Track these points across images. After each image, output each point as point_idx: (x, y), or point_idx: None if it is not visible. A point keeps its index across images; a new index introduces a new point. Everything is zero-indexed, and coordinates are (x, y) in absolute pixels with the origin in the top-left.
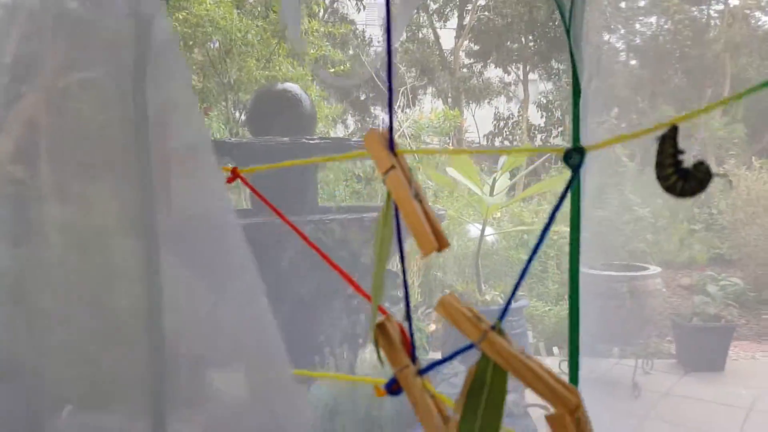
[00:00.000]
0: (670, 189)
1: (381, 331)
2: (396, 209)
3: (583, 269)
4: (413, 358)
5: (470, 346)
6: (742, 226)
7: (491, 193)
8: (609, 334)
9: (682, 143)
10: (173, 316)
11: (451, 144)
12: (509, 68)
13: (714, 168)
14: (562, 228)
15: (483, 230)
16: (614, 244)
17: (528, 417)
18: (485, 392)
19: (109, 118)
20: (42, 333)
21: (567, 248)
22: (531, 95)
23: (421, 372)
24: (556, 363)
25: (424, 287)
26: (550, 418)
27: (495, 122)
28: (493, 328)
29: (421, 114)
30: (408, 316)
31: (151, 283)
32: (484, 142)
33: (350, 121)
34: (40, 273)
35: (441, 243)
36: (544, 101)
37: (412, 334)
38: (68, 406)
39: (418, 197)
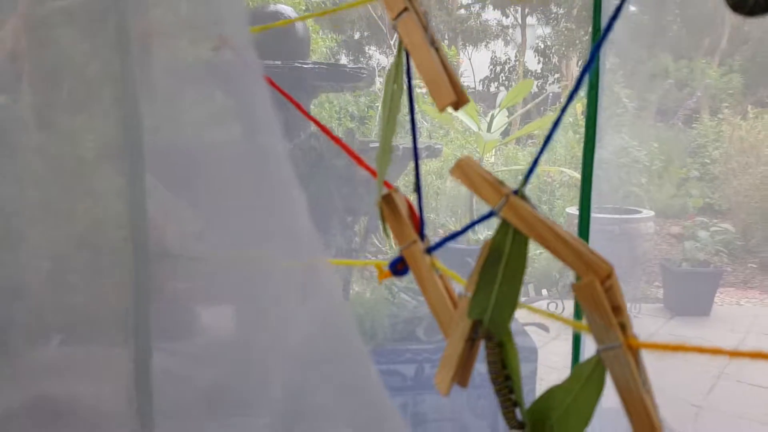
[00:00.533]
0: (738, 5)
1: (387, 203)
2: (408, 60)
3: (572, 210)
4: (421, 235)
5: (490, 214)
6: (735, 175)
7: (489, 130)
8: None
9: (677, 92)
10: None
11: None
12: (507, 11)
13: (707, 118)
14: (552, 170)
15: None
16: (609, 187)
17: (527, 335)
18: (502, 263)
19: (90, 46)
20: (22, 260)
21: (558, 192)
22: (528, 40)
23: (430, 249)
24: (544, 305)
25: None
26: (577, 288)
27: (491, 67)
28: (515, 192)
29: None
30: (418, 187)
31: (136, 207)
32: (480, 88)
33: (344, 61)
34: (19, 200)
35: (460, 96)
36: (542, 46)
37: (421, 208)
38: (58, 336)
39: (435, 44)
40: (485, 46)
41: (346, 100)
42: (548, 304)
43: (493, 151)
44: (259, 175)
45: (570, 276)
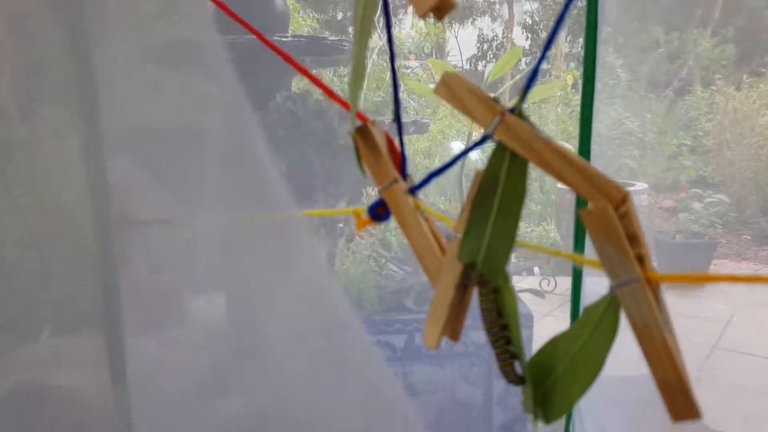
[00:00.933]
0: None
1: (362, 135)
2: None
3: (564, 186)
4: (403, 173)
5: (484, 140)
6: (728, 147)
7: None
8: (591, 249)
9: (669, 63)
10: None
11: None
12: None
13: (700, 90)
14: None
15: (468, 140)
16: (602, 160)
17: (521, 302)
18: (498, 193)
19: (47, 25)
20: None
21: None
22: (516, 15)
23: (414, 189)
24: (536, 282)
25: None
26: (586, 215)
27: (479, 44)
28: (512, 110)
29: (401, 31)
30: (397, 117)
31: (96, 177)
32: (467, 67)
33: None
34: None
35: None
36: (530, 22)
37: (402, 142)
38: (47, 329)
39: None
40: (471, 22)
41: (328, 79)
42: (540, 282)
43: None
44: (226, 146)
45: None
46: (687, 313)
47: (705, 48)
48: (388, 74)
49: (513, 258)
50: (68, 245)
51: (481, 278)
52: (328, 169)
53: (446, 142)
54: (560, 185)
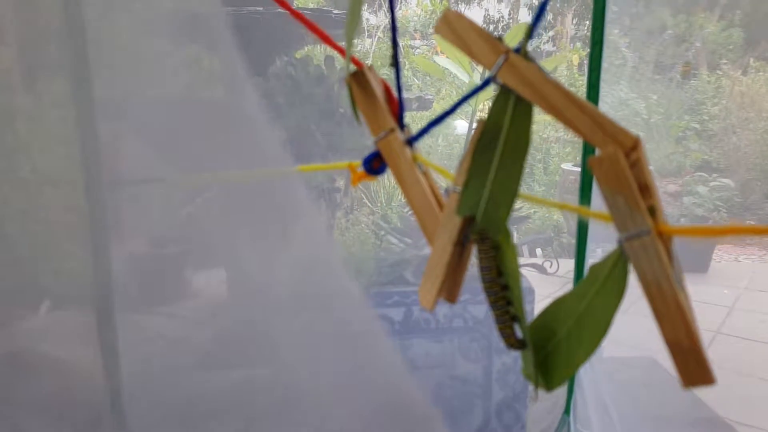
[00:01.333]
0: None
1: (357, 82)
2: None
3: (567, 167)
4: (401, 123)
5: (487, 82)
6: (734, 131)
7: (481, 78)
8: (594, 233)
9: (675, 47)
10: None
11: (437, 43)
12: None
13: (706, 74)
14: (548, 131)
15: (472, 119)
16: None
17: (522, 277)
18: (500, 141)
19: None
20: None
21: (553, 150)
22: None
23: (412, 140)
24: (539, 263)
25: None
26: (595, 162)
27: (485, 25)
28: (517, 50)
29: (407, 10)
30: (395, 61)
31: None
32: None
33: None
34: None
35: None
36: (536, 3)
37: (400, 89)
38: (46, 302)
39: None
40: (478, 3)
41: (335, 56)
42: (543, 263)
43: (486, 102)
44: (224, 113)
45: (565, 235)
46: (691, 298)
47: (712, 32)
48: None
49: (515, 238)
50: (61, 216)
51: (480, 234)
52: (328, 136)
53: (450, 121)
54: (564, 166)
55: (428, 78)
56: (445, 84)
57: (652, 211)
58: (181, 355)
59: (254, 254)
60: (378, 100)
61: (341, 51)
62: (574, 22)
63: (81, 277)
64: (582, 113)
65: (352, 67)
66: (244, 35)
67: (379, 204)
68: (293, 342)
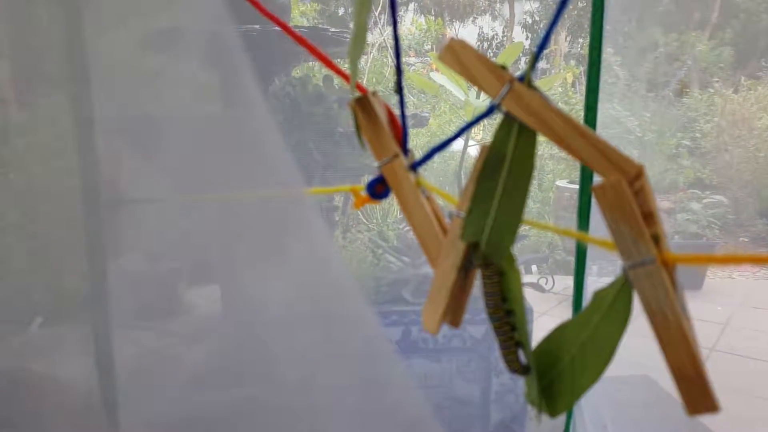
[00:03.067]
0: None
1: (362, 107)
2: None
3: (562, 183)
4: (404, 148)
5: (491, 111)
6: (725, 149)
7: (477, 97)
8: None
9: (668, 65)
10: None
11: (432, 60)
12: None
13: (698, 92)
14: (543, 148)
15: (467, 137)
16: None
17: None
18: (504, 169)
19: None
20: None
21: (548, 167)
22: (516, 15)
23: (416, 165)
24: (534, 280)
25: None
26: (599, 190)
27: (479, 43)
28: (521, 79)
29: (402, 27)
30: (399, 88)
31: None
32: None
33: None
34: None
35: None
36: (530, 21)
37: (404, 115)
38: (38, 319)
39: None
40: (472, 21)
41: (334, 75)
42: (538, 280)
43: (483, 122)
44: (234, 127)
45: (560, 252)
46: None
47: (703, 50)
48: (388, 69)
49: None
50: (58, 230)
51: (484, 259)
52: (326, 155)
53: (445, 138)
54: (559, 183)
55: (423, 95)
56: (440, 101)
57: (656, 239)
58: (177, 372)
59: (250, 271)
60: (382, 125)
61: (339, 72)
62: (568, 39)
63: (77, 293)
64: (585, 142)
65: (357, 93)
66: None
67: (374, 221)
68: (291, 361)
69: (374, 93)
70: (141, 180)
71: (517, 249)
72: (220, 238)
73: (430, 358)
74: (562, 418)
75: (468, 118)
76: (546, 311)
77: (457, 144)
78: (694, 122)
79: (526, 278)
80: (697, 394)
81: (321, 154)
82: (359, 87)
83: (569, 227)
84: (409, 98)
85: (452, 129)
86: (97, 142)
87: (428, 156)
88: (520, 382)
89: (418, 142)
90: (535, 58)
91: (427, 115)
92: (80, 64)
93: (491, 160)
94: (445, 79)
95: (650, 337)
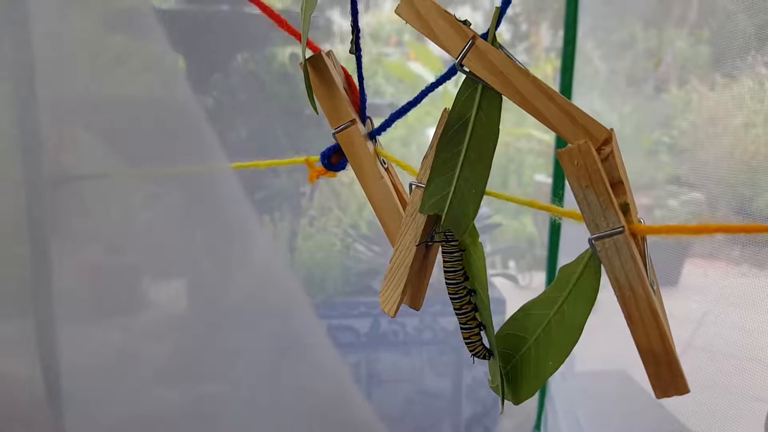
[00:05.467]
0: None
1: (314, 67)
2: None
3: (541, 178)
4: (363, 115)
5: (452, 70)
6: (702, 146)
7: (456, 86)
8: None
9: (644, 62)
10: None
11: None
12: None
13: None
14: (521, 131)
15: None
16: None
17: (493, 287)
18: (467, 135)
19: None
20: None
21: (527, 161)
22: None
23: (374, 133)
24: (511, 273)
25: None
26: (565, 154)
27: None
28: (484, 36)
29: (381, 14)
30: (357, 48)
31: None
32: (447, 57)
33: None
34: None
35: None
36: (510, 13)
37: (361, 77)
38: None
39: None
40: (452, 11)
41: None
42: (515, 275)
43: None
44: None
45: (539, 248)
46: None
47: (681, 47)
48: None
49: (487, 248)
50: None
51: (445, 234)
52: (292, 137)
53: (424, 129)
54: (538, 177)
55: (401, 85)
56: (417, 91)
57: (626, 208)
58: (134, 369)
59: (211, 266)
60: (338, 88)
61: (315, 48)
62: (550, 32)
63: (19, 283)
64: (552, 103)
65: (309, 52)
66: (206, 33)
67: (348, 213)
68: (251, 355)
69: (329, 53)
70: (87, 162)
71: (496, 244)
72: (177, 232)
73: (400, 351)
74: (534, 414)
75: (447, 107)
76: (527, 286)
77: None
78: (672, 119)
79: (500, 277)
80: (666, 374)
81: (287, 137)
82: (311, 45)
83: (548, 222)
84: (387, 88)
85: (430, 120)
86: (41, 122)
87: (388, 123)
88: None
89: (396, 134)
90: (500, 14)
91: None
92: (24, 43)
93: (453, 125)
94: (422, 68)
95: (623, 331)
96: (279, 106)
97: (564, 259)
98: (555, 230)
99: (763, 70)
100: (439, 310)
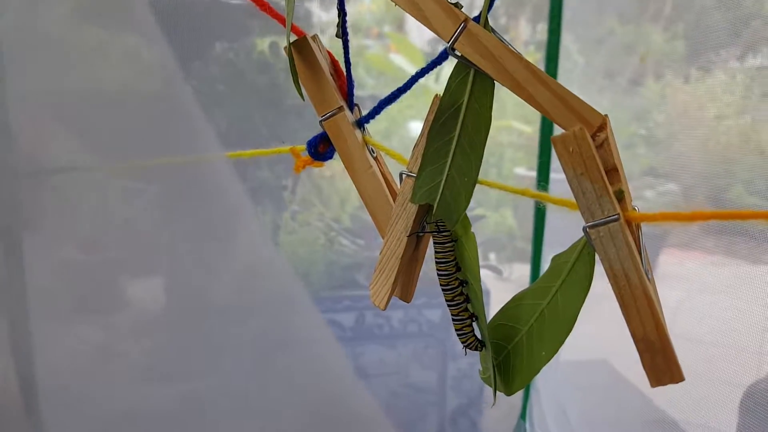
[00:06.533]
0: None
1: (299, 51)
2: None
3: (521, 171)
4: (350, 102)
5: (444, 54)
6: (676, 138)
7: (436, 81)
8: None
9: (622, 57)
10: None
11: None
12: None
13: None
14: (503, 123)
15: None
16: None
17: None
18: (459, 122)
19: None
20: None
21: (507, 154)
22: None
23: (362, 121)
24: (490, 271)
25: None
26: (559, 141)
27: None
28: (476, 20)
29: (362, 5)
30: (344, 32)
31: None
32: (428, 49)
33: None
34: None
35: None
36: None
37: (348, 63)
38: None
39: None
40: None
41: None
42: (497, 266)
43: None
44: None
45: (520, 241)
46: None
47: (657, 42)
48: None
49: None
50: None
51: (437, 224)
52: (272, 129)
53: (405, 122)
54: (518, 170)
55: (383, 77)
56: (399, 83)
57: (620, 196)
58: (116, 367)
59: (194, 261)
60: (324, 74)
61: (300, 32)
62: (529, 26)
63: None
64: (546, 89)
65: (294, 36)
66: (184, 22)
67: (331, 207)
68: (238, 351)
69: (314, 37)
70: (63, 153)
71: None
72: (159, 226)
73: (385, 344)
74: (519, 404)
75: (429, 106)
76: (502, 300)
77: (417, 129)
78: (648, 112)
79: (484, 263)
80: (661, 363)
81: (267, 127)
82: (296, 30)
83: (529, 215)
84: (367, 80)
85: (412, 113)
86: (12, 115)
87: (377, 110)
88: (477, 368)
89: (378, 127)
90: None
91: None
92: None
93: (444, 112)
94: (403, 60)
95: (607, 321)
96: (259, 96)
97: (549, 250)
98: (540, 222)
99: (736, 64)
100: (425, 302)
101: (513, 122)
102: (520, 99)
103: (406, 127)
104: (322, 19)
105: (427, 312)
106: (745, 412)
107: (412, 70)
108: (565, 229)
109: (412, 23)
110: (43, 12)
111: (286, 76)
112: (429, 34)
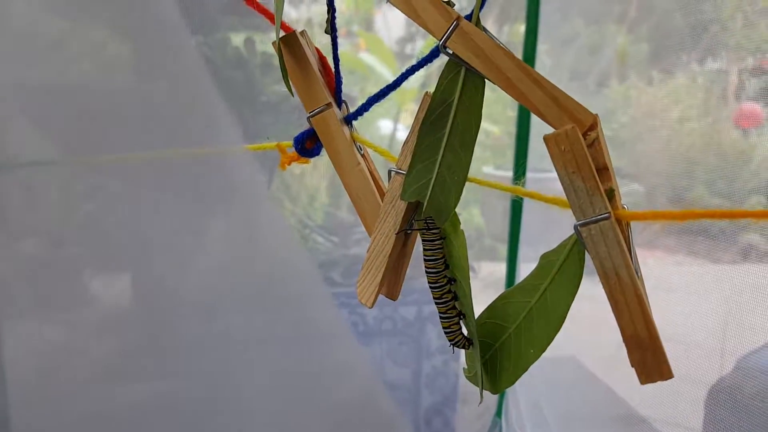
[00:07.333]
0: None
1: (288, 47)
2: None
3: (489, 170)
4: (338, 98)
5: (435, 52)
6: (640, 139)
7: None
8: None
9: (589, 58)
10: None
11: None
12: None
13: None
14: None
15: (397, 118)
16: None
17: None
18: (450, 119)
19: None
20: None
21: (475, 154)
22: None
23: (350, 118)
24: None
25: (331, 191)
26: (551, 139)
27: (408, 26)
28: (468, 18)
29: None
30: (332, 27)
31: None
32: (396, 49)
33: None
34: None
35: None
36: (457, 8)
37: (337, 59)
38: None
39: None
40: None
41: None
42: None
43: (411, 103)
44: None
45: (488, 238)
46: (601, 299)
47: (621, 44)
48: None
49: None
50: None
51: (426, 221)
52: (248, 126)
53: (375, 121)
54: (486, 169)
55: (353, 76)
56: (369, 83)
57: (611, 194)
58: (82, 367)
59: (164, 257)
60: (312, 70)
61: (287, 29)
62: (495, 26)
63: None
64: (538, 87)
65: (282, 33)
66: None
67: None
68: (206, 349)
69: (303, 32)
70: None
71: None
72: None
73: (360, 342)
74: (494, 401)
75: (398, 101)
76: (476, 297)
77: (387, 127)
78: (612, 113)
79: None
80: (651, 360)
81: (242, 124)
82: (284, 26)
83: (496, 213)
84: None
85: (381, 111)
86: None
87: (365, 106)
88: (452, 365)
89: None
90: None
91: (356, 95)
92: None
93: (435, 110)
94: (374, 59)
95: (575, 320)
96: (233, 93)
97: (525, 249)
98: (516, 221)
99: (697, 67)
100: (400, 300)
101: (483, 123)
102: (487, 101)
103: (375, 124)
104: (291, 16)
105: (402, 309)
106: (711, 407)
107: (382, 69)
108: (541, 228)
109: (380, 23)
110: (7, 3)
111: (262, 72)
112: (397, 33)
